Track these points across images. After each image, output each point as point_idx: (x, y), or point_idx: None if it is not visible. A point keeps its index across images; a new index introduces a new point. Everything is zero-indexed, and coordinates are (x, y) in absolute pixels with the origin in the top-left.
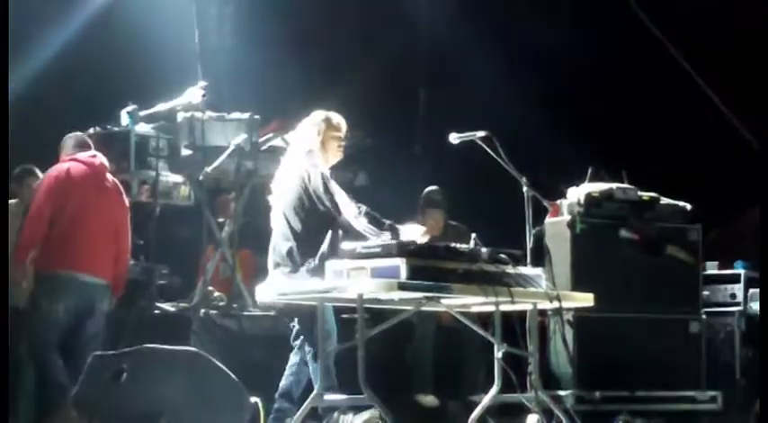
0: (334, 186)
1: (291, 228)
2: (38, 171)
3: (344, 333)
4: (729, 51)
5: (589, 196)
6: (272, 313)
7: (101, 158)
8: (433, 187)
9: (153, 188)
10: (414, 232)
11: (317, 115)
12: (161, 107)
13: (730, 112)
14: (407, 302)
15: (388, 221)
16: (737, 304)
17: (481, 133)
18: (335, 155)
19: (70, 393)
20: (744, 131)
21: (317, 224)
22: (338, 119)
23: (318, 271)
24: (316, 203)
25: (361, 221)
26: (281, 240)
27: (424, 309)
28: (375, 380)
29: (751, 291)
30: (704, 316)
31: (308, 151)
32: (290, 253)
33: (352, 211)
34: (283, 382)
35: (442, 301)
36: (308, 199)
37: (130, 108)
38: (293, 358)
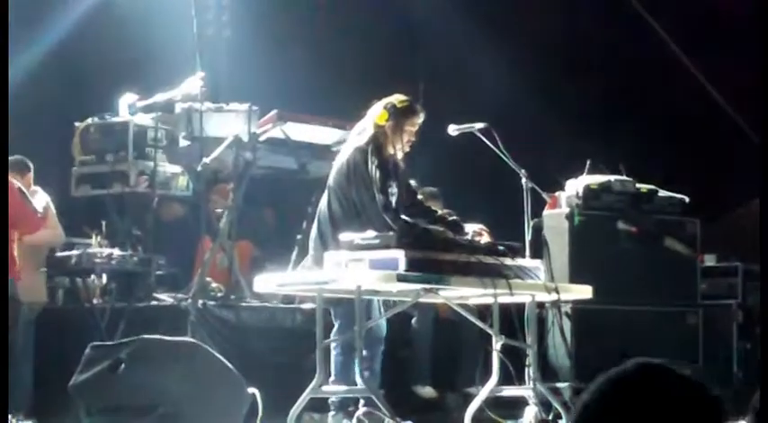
0: (381, 175)
1: (329, 208)
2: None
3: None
4: (728, 43)
5: (587, 188)
6: (269, 304)
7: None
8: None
9: (151, 178)
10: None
11: (389, 98)
12: (159, 97)
13: (729, 105)
14: (406, 294)
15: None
16: (735, 297)
17: (480, 125)
18: (401, 145)
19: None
20: (742, 124)
21: (354, 211)
22: (410, 107)
23: None
24: (352, 188)
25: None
26: (317, 219)
27: (422, 300)
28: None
29: (748, 283)
30: (702, 308)
31: (362, 131)
32: (318, 234)
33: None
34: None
35: (441, 292)
36: (347, 182)
37: (129, 98)
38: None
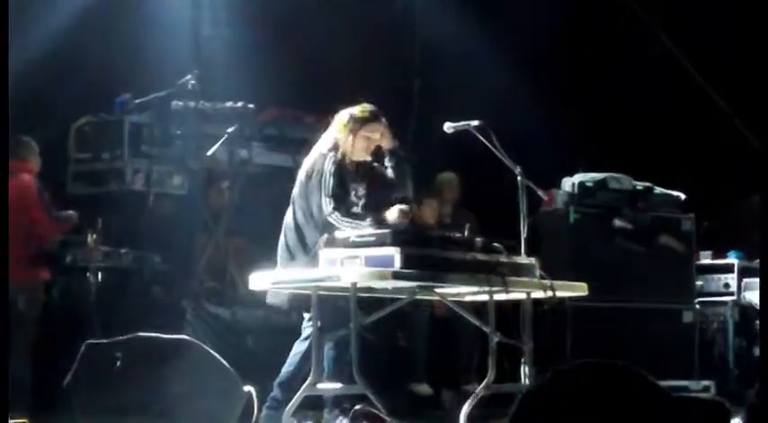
0: (333, 179)
1: (294, 218)
2: None
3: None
4: (726, 45)
5: (583, 186)
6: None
7: (13, 163)
8: (445, 174)
9: (146, 177)
10: (393, 214)
11: (351, 108)
12: (155, 96)
13: (725, 103)
14: (401, 291)
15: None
16: (731, 294)
17: (475, 122)
18: (359, 152)
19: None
20: (738, 123)
21: (314, 217)
22: (367, 115)
23: (309, 266)
24: (312, 195)
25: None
26: (283, 230)
27: (417, 298)
28: (368, 369)
29: (744, 280)
30: (697, 305)
31: (325, 140)
32: (285, 245)
33: (343, 205)
34: (284, 371)
35: (436, 289)
36: (307, 190)
37: (124, 97)
38: (297, 347)
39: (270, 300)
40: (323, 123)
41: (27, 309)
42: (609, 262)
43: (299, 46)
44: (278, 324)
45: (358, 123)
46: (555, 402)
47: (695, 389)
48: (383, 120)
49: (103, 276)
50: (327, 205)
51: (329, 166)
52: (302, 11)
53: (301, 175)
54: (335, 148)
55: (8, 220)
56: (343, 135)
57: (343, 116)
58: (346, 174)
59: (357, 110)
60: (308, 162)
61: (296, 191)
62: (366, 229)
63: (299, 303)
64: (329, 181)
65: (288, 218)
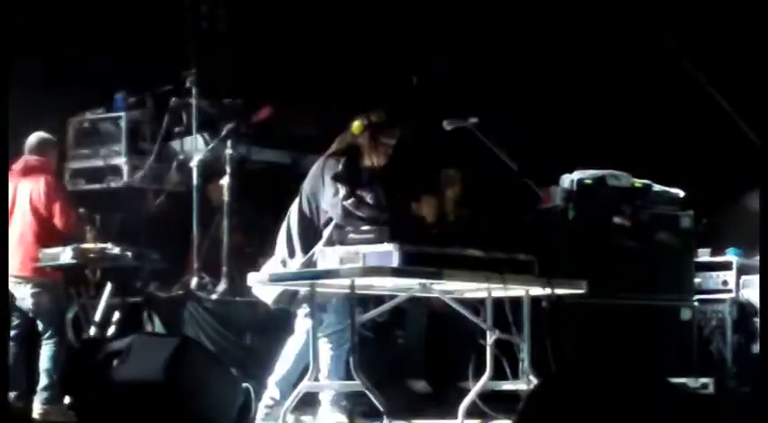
0: (345, 182)
1: (300, 208)
2: None
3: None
4: (724, 39)
5: (581, 183)
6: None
7: (35, 159)
8: (447, 171)
9: (144, 173)
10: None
11: (368, 114)
12: (154, 92)
13: (724, 99)
14: (400, 288)
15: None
16: (729, 291)
17: (473, 119)
18: (380, 157)
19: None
20: (738, 119)
21: (319, 212)
22: (386, 121)
23: (307, 262)
24: (322, 196)
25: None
26: (287, 227)
27: (416, 295)
28: (366, 366)
29: (743, 278)
30: (696, 303)
31: (340, 144)
32: (289, 242)
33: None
34: (278, 368)
35: (435, 287)
36: (319, 188)
37: (122, 93)
38: (291, 343)
39: (256, 293)
40: (321, 120)
41: (47, 307)
42: (607, 259)
43: (299, 43)
44: (276, 320)
45: (376, 129)
46: (563, 400)
47: (693, 386)
48: (398, 124)
49: (101, 273)
50: (345, 195)
51: (345, 167)
52: (302, 5)
53: (314, 173)
54: (350, 150)
55: (8, 220)
56: (361, 141)
57: (360, 122)
58: (356, 176)
59: (375, 116)
60: (323, 160)
61: (306, 186)
62: (382, 219)
63: (286, 299)
64: (344, 176)
65: (293, 211)
